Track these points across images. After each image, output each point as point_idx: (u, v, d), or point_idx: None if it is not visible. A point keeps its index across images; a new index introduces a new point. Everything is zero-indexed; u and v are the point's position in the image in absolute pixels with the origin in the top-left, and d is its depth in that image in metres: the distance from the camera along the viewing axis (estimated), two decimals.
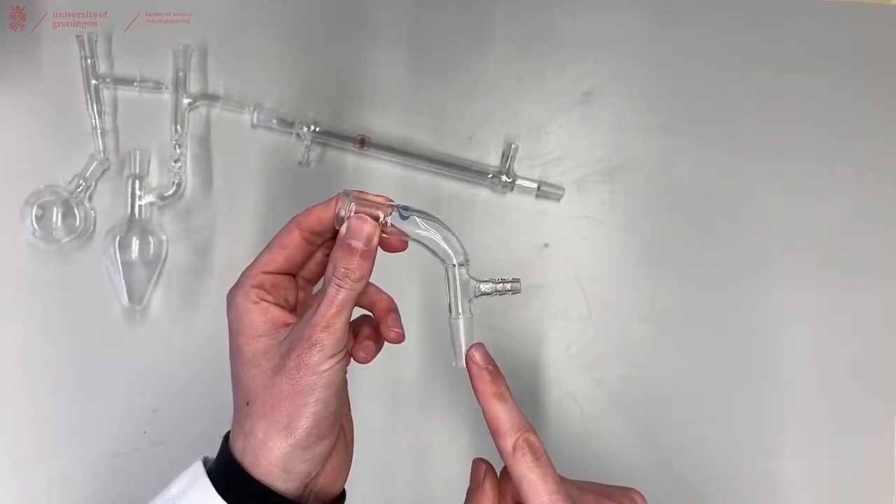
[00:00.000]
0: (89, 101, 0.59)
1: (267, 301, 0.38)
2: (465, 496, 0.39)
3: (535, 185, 0.61)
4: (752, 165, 0.64)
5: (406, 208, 0.39)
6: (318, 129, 0.61)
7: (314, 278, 0.43)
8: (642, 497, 0.42)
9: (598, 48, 0.64)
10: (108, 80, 0.60)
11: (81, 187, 0.58)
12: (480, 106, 0.63)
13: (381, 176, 0.62)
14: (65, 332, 0.59)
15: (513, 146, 0.61)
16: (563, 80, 0.64)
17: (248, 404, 0.37)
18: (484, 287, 0.39)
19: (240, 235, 0.60)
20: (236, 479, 0.37)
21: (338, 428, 0.39)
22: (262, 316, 0.38)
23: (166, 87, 0.60)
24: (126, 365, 0.59)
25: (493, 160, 0.62)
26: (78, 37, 0.59)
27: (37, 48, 0.61)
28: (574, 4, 0.64)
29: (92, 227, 0.59)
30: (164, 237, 0.59)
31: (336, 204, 0.39)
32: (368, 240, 0.38)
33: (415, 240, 0.39)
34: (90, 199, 0.59)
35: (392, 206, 0.39)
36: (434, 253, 0.39)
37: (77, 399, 0.58)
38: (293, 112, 0.61)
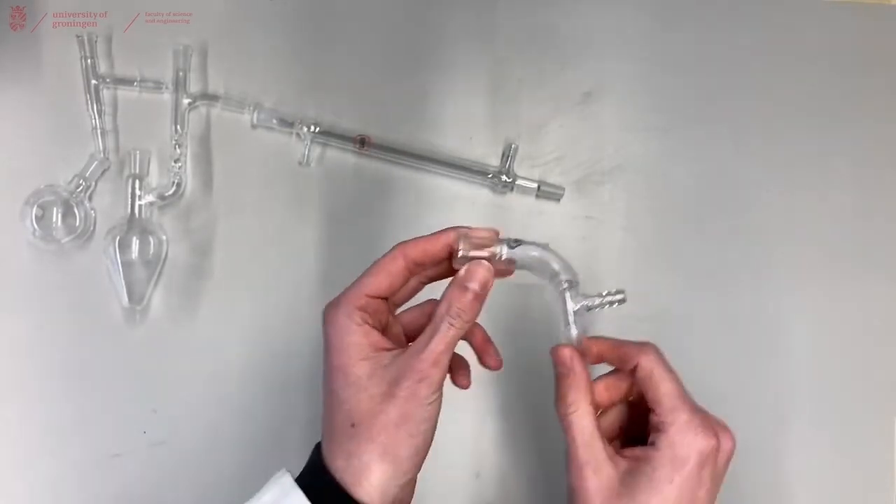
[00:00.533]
0: (89, 101, 0.59)
1: (368, 324, 0.40)
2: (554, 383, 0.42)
3: (535, 186, 0.61)
4: (752, 165, 0.64)
5: (516, 241, 0.42)
6: (318, 129, 0.61)
7: (401, 303, 0.45)
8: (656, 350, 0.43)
9: (598, 48, 0.64)
10: (108, 80, 0.60)
11: (81, 187, 0.58)
12: (480, 106, 0.63)
13: (382, 176, 0.62)
14: (65, 332, 0.59)
15: (513, 146, 0.61)
16: (563, 80, 0.64)
17: (353, 426, 0.39)
18: (593, 302, 0.42)
19: (240, 235, 0.60)
20: (333, 496, 0.38)
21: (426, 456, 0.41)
22: (365, 338, 0.40)
23: (166, 87, 0.60)
24: (126, 365, 0.59)
25: (493, 160, 0.62)
26: (78, 37, 0.59)
27: (37, 48, 0.61)
28: (574, 4, 0.64)
29: (92, 227, 0.59)
30: (164, 237, 0.59)
31: (442, 239, 0.42)
32: (483, 285, 0.40)
33: (522, 267, 0.43)
34: (90, 199, 0.59)
35: (502, 240, 0.42)
36: (542, 275, 0.43)
37: (77, 399, 0.58)
38: (293, 112, 0.61)
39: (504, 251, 0.41)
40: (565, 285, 0.42)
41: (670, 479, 0.37)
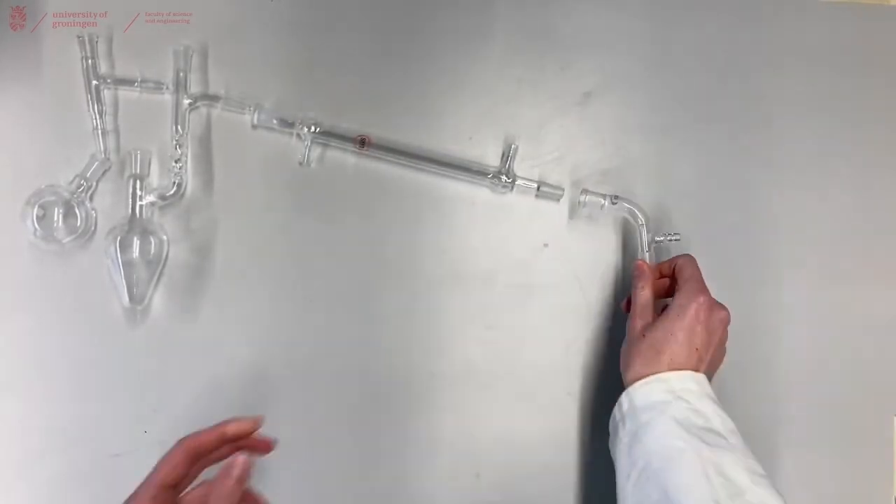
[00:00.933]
0: (90, 102, 0.59)
1: None
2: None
3: (534, 186, 0.61)
4: (752, 165, 0.64)
5: (615, 196, 0.61)
6: (318, 130, 0.61)
7: (185, 487, 0.48)
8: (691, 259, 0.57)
9: (598, 48, 0.64)
10: (108, 80, 0.60)
11: (82, 187, 0.58)
12: (480, 106, 0.63)
13: (382, 176, 0.62)
14: (65, 332, 0.59)
15: (513, 146, 0.62)
16: (563, 80, 0.64)
17: None
18: (657, 237, 0.60)
19: (240, 235, 0.60)
20: None
21: None
22: None
23: (167, 88, 0.60)
24: (126, 365, 0.59)
25: (493, 160, 0.62)
26: (78, 37, 0.59)
27: (37, 48, 0.61)
28: (574, 4, 0.64)
29: (93, 228, 0.59)
30: (164, 237, 0.59)
31: (218, 430, 0.48)
32: (242, 474, 0.45)
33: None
34: (91, 199, 0.59)
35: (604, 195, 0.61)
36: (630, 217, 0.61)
37: (77, 399, 0.58)
38: (293, 112, 0.61)
39: (607, 202, 0.60)
40: (642, 222, 0.60)
41: (676, 315, 0.52)
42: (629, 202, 0.60)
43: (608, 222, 0.63)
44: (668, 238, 0.60)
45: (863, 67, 0.65)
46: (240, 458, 0.45)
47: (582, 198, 0.61)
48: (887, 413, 0.62)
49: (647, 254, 0.59)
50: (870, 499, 0.62)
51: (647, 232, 0.60)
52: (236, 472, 0.44)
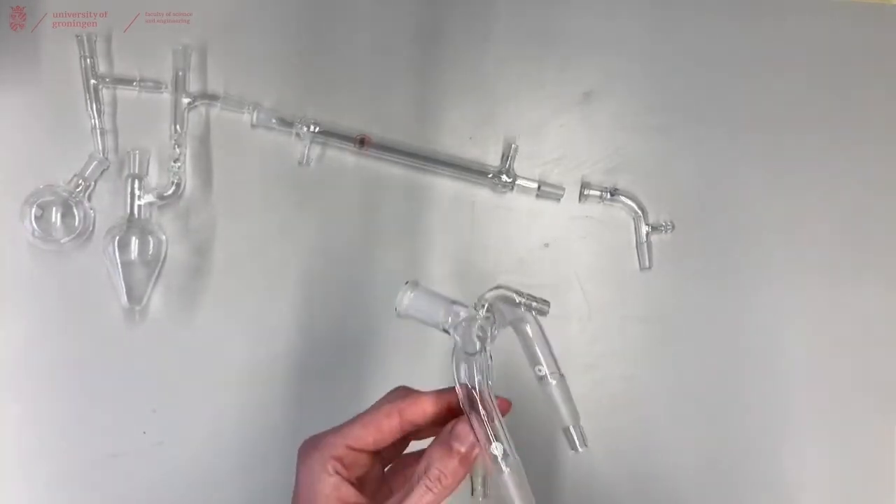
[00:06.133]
0: (89, 101, 0.59)
1: (341, 475, 0.37)
2: None
3: (535, 185, 0.61)
4: (752, 165, 0.64)
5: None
6: (317, 129, 0.61)
7: (387, 455, 0.42)
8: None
9: (597, 48, 0.64)
10: (107, 79, 0.60)
11: (81, 187, 0.58)
12: (480, 106, 0.63)
13: (382, 176, 0.62)
14: (64, 332, 0.59)
15: (513, 146, 0.61)
16: (563, 80, 0.64)
17: None
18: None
19: (239, 235, 0.60)
20: None
21: None
22: (334, 491, 0.37)
23: (166, 87, 0.60)
24: (126, 365, 0.59)
25: (493, 160, 0.62)
26: (78, 37, 0.59)
27: (37, 48, 0.61)
28: (574, 4, 0.64)
29: (91, 227, 0.59)
30: (163, 237, 0.59)
31: (444, 399, 0.38)
32: (472, 446, 0.37)
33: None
34: (89, 198, 0.59)
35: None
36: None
37: (77, 399, 0.58)
38: (293, 112, 0.61)
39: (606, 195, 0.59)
40: (639, 214, 0.58)
41: None
42: (626, 194, 0.61)
43: (608, 222, 0.63)
44: (663, 228, 0.61)
45: (863, 67, 0.65)
46: (471, 433, 0.36)
47: (583, 191, 0.61)
48: (887, 413, 0.62)
49: (644, 245, 0.60)
50: (870, 499, 0.62)
51: (645, 224, 0.60)
52: (462, 446, 0.36)
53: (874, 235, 0.64)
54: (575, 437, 0.41)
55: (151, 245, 0.58)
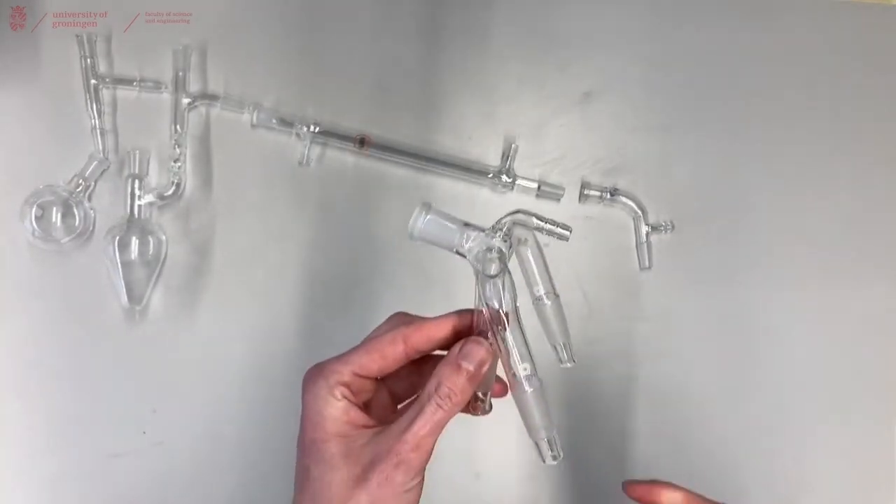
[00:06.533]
0: (89, 101, 0.59)
1: (349, 400, 0.38)
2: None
3: (535, 185, 0.61)
4: (752, 165, 0.64)
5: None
6: (317, 129, 0.61)
7: (392, 380, 0.42)
8: None
9: (597, 48, 0.64)
10: (107, 79, 0.60)
11: (81, 187, 0.58)
12: (480, 106, 0.63)
13: (382, 176, 0.62)
14: (65, 332, 0.59)
15: (513, 146, 0.61)
16: (563, 80, 0.64)
17: None
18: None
19: (240, 235, 0.60)
20: None
21: None
22: (343, 415, 0.37)
23: (166, 87, 0.60)
24: (126, 365, 0.59)
25: (493, 160, 0.62)
26: (78, 37, 0.59)
27: (37, 48, 0.61)
28: (574, 4, 0.64)
29: (91, 227, 0.59)
30: (163, 237, 0.59)
31: (449, 323, 0.39)
32: (480, 365, 0.37)
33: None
34: (89, 198, 0.59)
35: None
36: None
37: (77, 399, 0.58)
38: (293, 112, 0.61)
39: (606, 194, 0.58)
40: (639, 214, 0.59)
41: None
42: (626, 195, 0.61)
43: (608, 222, 0.63)
44: (663, 228, 0.61)
45: (863, 67, 0.65)
46: (478, 348, 0.37)
47: (583, 191, 0.61)
48: (888, 414, 0.62)
49: (644, 245, 0.60)
50: (870, 499, 0.62)
51: (644, 224, 0.61)
52: (470, 364, 0.37)
53: (874, 235, 0.64)
54: (564, 353, 0.43)
55: (151, 245, 0.58)
